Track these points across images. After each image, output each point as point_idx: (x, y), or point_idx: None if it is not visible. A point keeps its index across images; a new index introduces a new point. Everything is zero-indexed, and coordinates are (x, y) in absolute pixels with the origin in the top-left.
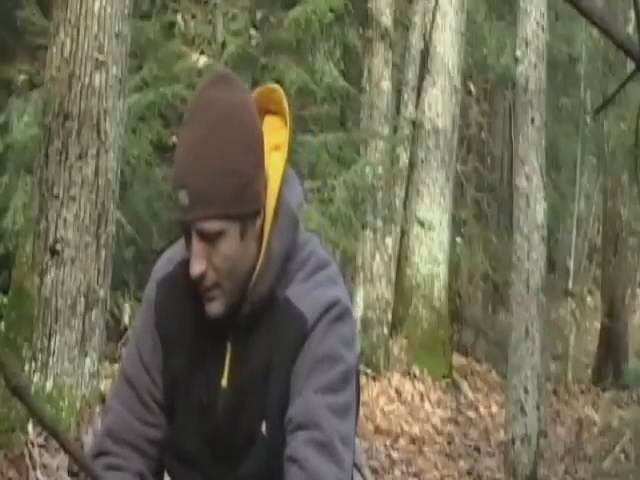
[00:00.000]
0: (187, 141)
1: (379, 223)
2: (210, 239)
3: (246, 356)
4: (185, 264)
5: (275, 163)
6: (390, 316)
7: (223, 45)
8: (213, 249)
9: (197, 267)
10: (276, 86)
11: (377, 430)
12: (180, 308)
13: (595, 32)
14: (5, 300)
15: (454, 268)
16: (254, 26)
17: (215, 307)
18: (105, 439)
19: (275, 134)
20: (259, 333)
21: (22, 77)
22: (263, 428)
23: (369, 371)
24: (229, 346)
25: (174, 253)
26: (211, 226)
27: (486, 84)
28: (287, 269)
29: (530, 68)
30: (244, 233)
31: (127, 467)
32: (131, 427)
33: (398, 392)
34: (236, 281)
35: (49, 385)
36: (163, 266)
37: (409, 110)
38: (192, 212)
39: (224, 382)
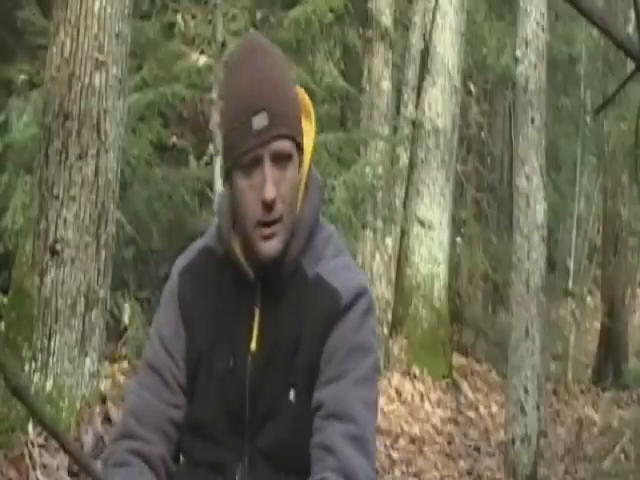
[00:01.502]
0: (252, 72)
1: (379, 223)
2: (281, 163)
3: (275, 322)
4: (206, 249)
5: (307, 130)
6: (390, 316)
7: (223, 45)
8: (282, 175)
9: (271, 191)
10: (301, 90)
11: (377, 430)
12: (203, 289)
13: (595, 32)
14: (5, 300)
15: (454, 268)
16: (254, 26)
17: (273, 245)
18: (129, 419)
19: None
20: (287, 302)
21: (22, 77)
22: (291, 395)
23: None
24: (257, 312)
25: (190, 250)
26: (285, 146)
27: (486, 84)
28: (313, 243)
29: (530, 68)
30: (299, 167)
31: (148, 452)
32: (155, 408)
33: (398, 392)
34: (292, 218)
35: (49, 385)
36: (181, 260)
37: (409, 110)
38: (271, 131)
39: (253, 345)
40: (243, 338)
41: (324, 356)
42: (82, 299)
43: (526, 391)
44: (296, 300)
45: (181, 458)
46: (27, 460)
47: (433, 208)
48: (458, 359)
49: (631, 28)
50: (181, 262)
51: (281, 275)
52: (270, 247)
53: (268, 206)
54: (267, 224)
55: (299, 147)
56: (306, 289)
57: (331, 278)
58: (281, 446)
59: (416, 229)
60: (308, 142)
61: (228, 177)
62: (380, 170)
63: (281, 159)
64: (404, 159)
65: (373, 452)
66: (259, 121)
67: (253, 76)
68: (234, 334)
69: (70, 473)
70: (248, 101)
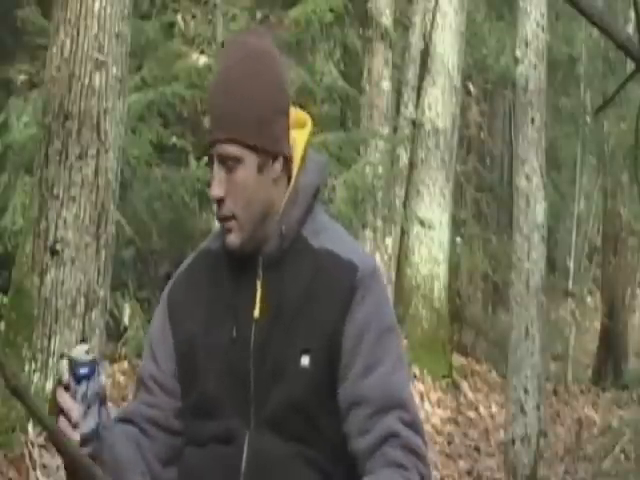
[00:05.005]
0: (217, 71)
1: (379, 223)
2: (228, 165)
3: (279, 290)
4: (202, 251)
5: (300, 134)
6: None
7: (223, 45)
8: (230, 177)
9: (216, 190)
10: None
11: None
12: (195, 286)
13: (595, 32)
14: (5, 300)
15: (454, 268)
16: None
17: (231, 239)
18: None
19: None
20: (291, 270)
21: (22, 77)
22: (305, 361)
23: None
24: (259, 283)
25: (190, 255)
26: (229, 150)
27: (486, 84)
28: (314, 216)
29: (530, 68)
30: (261, 168)
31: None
32: (134, 409)
33: None
34: (253, 216)
35: (49, 385)
36: (181, 266)
37: (409, 110)
38: (213, 134)
39: (256, 313)
40: (246, 308)
41: (350, 339)
42: (82, 299)
43: (526, 391)
44: (301, 268)
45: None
46: (27, 460)
47: (433, 208)
48: (458, 359)
49: (631, 28)
50: (180, 268)
51: (280, 246)
52: (229, 240)
53: (217, 203)
54: (221, 219)
55: (259, 149)
56: (313, 259)
57: (342, 251)
58: (289, 412)
59: (416, 229)
60: (302, 138)
61: None
62: (380, 170)
63: (227, 161)
64: (404, 159)
65: (424, 431)
66: (207, 121)
67: (215, 75)
68: (237, 306)
69: None
70: (210, 95)
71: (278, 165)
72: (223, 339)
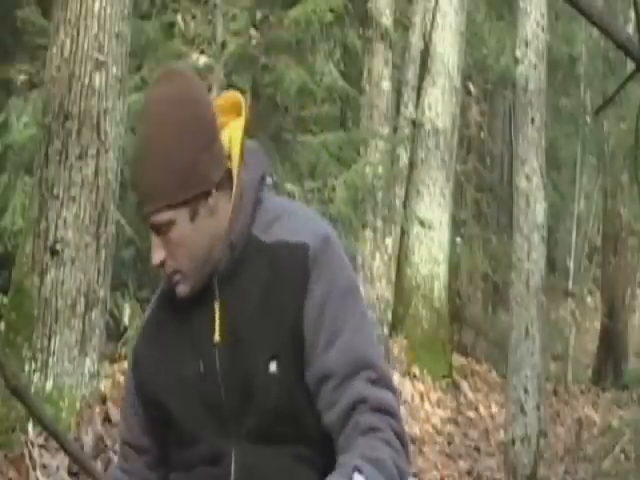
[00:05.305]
0: (139, 140)
1: (379, 223)
2: (162, 230)
3: (236, 304)
4: (159, 295)
5: (235, 127)
6: (390, 316)
7: (223, 45)
8: (166, 238)
9: (156, 257)
10: (234, 92)
11: None
12: (159, 323)
13: (595, 32)
14: (5, 300)
15: (454, 268)
16: (254, 26)
17: (180, 289)
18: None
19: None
20: (247, 278)
21: (22, 77)
22: (272, 367)
23: None
24: (216, 306)
25: (151, 302)
26: (159, 218)
27: (486, 84)
28: (263, 209)
29: (530, 68)
30: (195, 215)
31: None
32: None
33: (398, 392)
34: (195, 262)
35: (49, 385)
36: (145, 313)
37: (409, 110)
38: (142, 209)
39: (217, 337)
40: (209, 335)
41: (311, 321)
42: (82, 299)
43: (526, 391)
44: (257, 271)
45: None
46: (27, 460)
47: (433, 208)
48: (458, 359)
49: (631, 28)
50: (144, 316)
51: (232, 258)
52: (179, 291)
53: (158, 268)
54: (168, 276)
55: (188, 201)
56: (267, 256)
57: (292, 234)
58: (268, 420)
59: (416, 229)
60: (236, 135)
61: None
62: (380, 170)
63: (160, 228)
64: (404, 159)
65: (394, 384)
66: (134, 196)
67: (137, 148)
68: (200, 336)
69: (70, 473)
70: (130, 174)
71: (212, 199)
72: (191, 376)
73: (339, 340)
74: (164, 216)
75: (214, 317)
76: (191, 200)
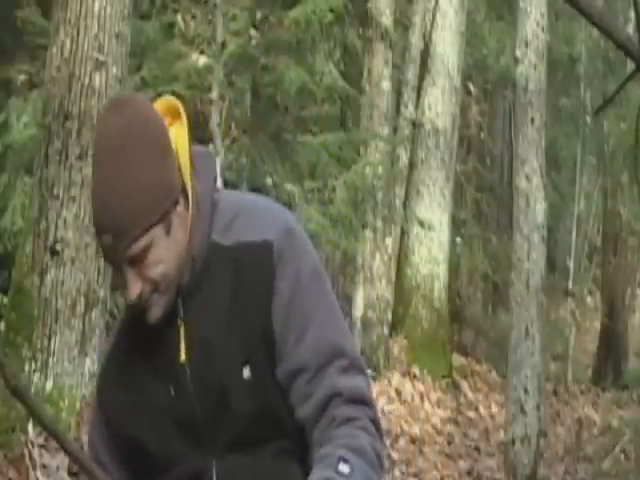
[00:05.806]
0: (92, 186)
1: (379, 223)
2: (138, 259)
3: (200, 318)
4: (118, 329)
5: (179, 133)
6: (390, 316)
7: (223, 45)
8: (143, 265)
9: (133, 292)
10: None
11: None
12: (122, 354)
13: (595, 32)
14: (5, 300)
15: (454, 268)
16: (254, 26)
17: (154, 312)
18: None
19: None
20: (210, 289)
21: (22, 77)
22: (245, 373)
23: (369, 371)
24: (181, 324)
25: (110, 335)
26: (136, 247)
27: (486, 84)
28: (219, 212)
29: (530, 68)
30: (169, 227)
31: None
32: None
33: (398, 392)
34: (174, 272)
35: (49, 385)
36: (103, 345)
37: (409, 110)
38: (119, 246)
39: (182, 357)
40: (174, 357)
41: (279, 317)
42: (82, 299)
43: (526, 391)
44: (221, 279)
45: None
46: (27, 460)
47: (433, 208)
48: (458, 359)
49: (631, 28)
50: (103, 352)
51: (193, 271)
52: (150, 317)
53: (135, 303)
54: (143, 303)
55: (162, 216)
56: (229, 260)
57: (254, 232)
58: (247, 425)
59: (416, 229)
60: (181, 141)
61: None
62: (380, 170)
63: (139, 256)
64: (404, 159)
65: (363, 366)
66: (106, 239)
67: (92, 191)
68: (163, 362)
69: (70, 473)
70: (95, 219)
71: (179, 206)
72: (161, 401)
73: (309, 333)
74: (141, 243)
75: (180, 338)
76: (165, 214)
